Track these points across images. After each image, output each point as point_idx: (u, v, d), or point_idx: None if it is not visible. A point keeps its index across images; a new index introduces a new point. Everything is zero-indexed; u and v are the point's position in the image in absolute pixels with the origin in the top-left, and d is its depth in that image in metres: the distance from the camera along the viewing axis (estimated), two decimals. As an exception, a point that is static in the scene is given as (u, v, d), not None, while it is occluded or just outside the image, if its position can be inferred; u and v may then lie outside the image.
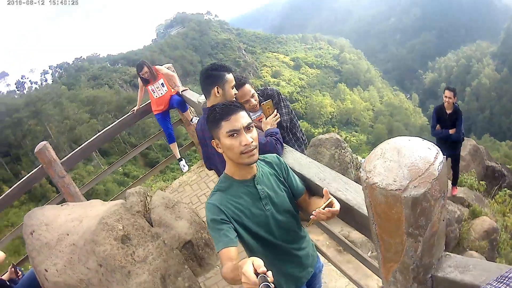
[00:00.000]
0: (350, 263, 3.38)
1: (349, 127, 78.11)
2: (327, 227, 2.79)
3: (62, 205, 2.76)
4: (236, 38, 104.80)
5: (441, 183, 1.02)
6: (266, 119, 2.38)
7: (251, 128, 1.47)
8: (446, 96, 4.83)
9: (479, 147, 7.33)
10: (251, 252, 1.58)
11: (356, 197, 1.54)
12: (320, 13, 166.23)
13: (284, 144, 2.27)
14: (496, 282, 0.67)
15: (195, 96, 4.03)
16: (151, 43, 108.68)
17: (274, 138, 2.15)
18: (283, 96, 2.94)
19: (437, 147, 1.07)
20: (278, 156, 1.74)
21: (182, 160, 5.10)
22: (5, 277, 3.30)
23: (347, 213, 1.56)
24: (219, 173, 2.33)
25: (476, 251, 5.09)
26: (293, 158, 2.14)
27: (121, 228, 2.51)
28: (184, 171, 5.17)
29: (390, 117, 74.98)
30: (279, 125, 2.58)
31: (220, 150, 1.51)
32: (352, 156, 5.50)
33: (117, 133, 5.42)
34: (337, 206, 1.39)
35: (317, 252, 1.95)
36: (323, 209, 1.37)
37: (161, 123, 4.87)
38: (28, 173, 4.71)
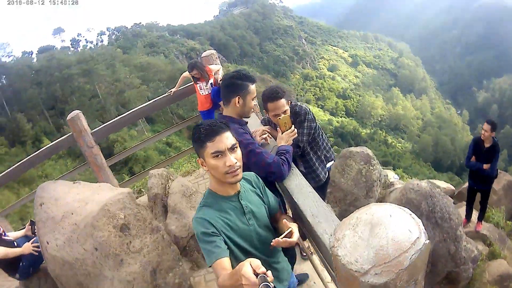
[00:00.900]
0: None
1: (397, 133, 76.61)
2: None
3: (74, 183, 2.88)
4: (298, 26, 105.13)
5: (412, 273, 0.92)
6: (282, 133, 2.30)
7: (235, 148, 1.51)
8: (483, 129, 4.58)
9: (515, 183, 6.74)
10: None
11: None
12: (383, 14, 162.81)
13: (293, 166, 2.19)
14: None
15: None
16: (212, 19, 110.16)
17: (283, 157, 2.09)
18: (310, 117, 2.83)
19: (423, 230, 0.94)
20: (256, 174, 1.80)
21: None
22: (22, 232, 3.56)
23: (327, 258, 1.55)
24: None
25: (486, 295, 4.78)
26: (296, 183, 2.08)
27: (122, 217, 2.58)
28: None
29: (438, 130, 72.28)
30: (294, 143, 2.48)
31: (205, 169, 1.55)
32: (380, 174, 5.27)
33: (151, 112, 5.63)
34: (295, 237, 1.49)
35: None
36: (282, 239, 1.45)
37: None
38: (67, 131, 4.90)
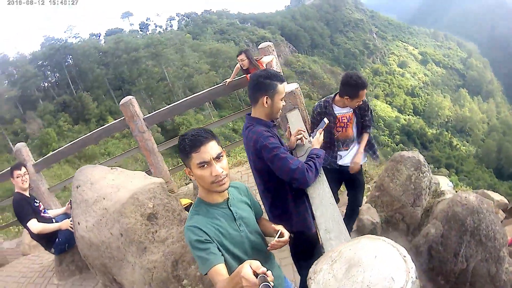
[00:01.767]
0: None
1: (462, 135, 72.51)
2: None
3: (112, 168, 2.99)
4: (369, 20, 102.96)
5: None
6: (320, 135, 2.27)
7: (221, 157, 1.48)
8: None
9: None
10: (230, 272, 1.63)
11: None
12: (452, 12, 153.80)
13: (321, 172, 2.07)
14: None
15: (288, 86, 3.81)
16: (283, 9, 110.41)
17: (311, 162, 2.00)
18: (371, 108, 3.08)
19: (412, 278, 0.77)
20: (245, 185, 1.81)
21: None
22: (62, 210, 3.81)
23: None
24: None
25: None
26: (318, 193, 1.96)
27: (151, 206, 2.63)
28: None
29: (502, 136, 66.90)
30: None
31: (192, 178, 1.54)
32: (430, 182, 4.88)
33: (205, 101, 5.71)
34: (286, 236, 1.63)
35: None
36: (275, 241, 1.58)
37: None
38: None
